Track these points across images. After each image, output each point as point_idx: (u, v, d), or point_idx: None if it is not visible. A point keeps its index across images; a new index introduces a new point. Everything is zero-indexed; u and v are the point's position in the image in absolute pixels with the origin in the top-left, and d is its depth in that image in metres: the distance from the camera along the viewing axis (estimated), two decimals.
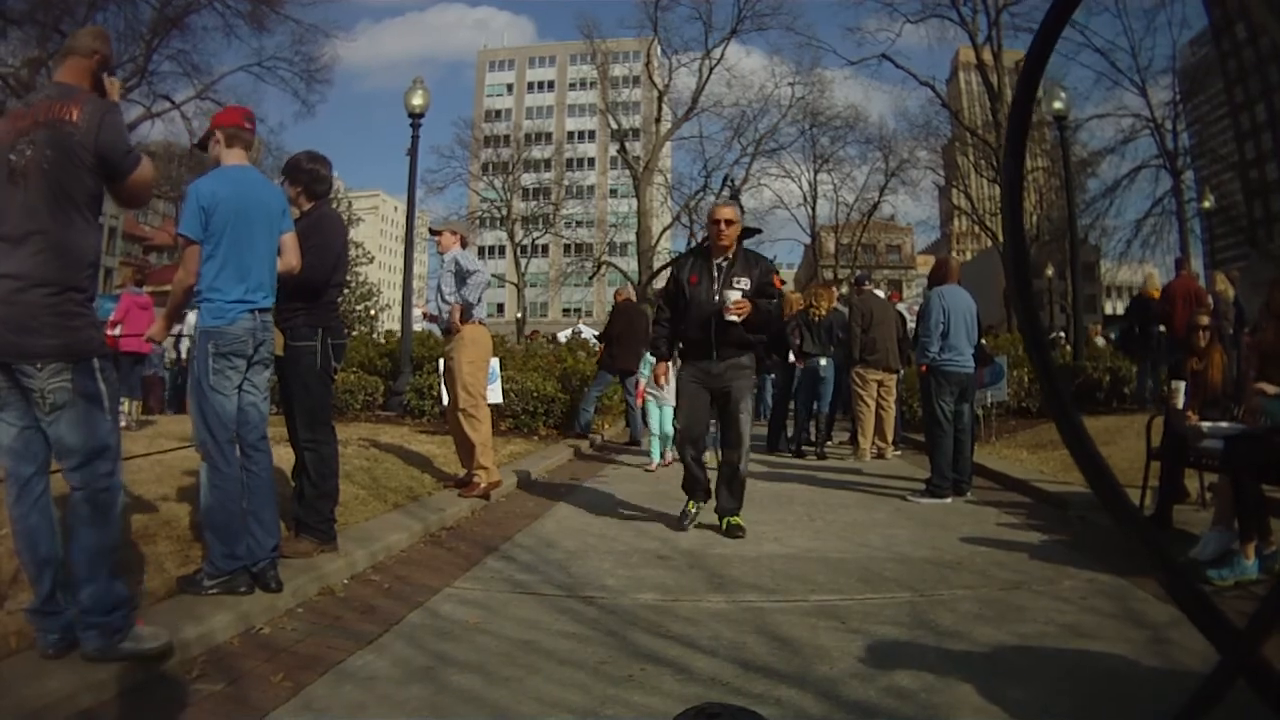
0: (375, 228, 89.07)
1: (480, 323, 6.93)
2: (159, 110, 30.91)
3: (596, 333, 15.09)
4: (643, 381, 9.11)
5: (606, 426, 12.51)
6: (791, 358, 11.07)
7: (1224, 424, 5.26)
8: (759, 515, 6.52)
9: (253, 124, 4.36)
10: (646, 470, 9.21)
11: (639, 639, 3.63)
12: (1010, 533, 6.04)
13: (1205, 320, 6.37)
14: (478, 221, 54.61)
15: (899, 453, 10.96)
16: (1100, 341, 18.35)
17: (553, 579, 4.63)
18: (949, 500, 7.32)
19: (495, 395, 8.33)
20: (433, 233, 7.25)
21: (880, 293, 12.23)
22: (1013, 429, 11.40)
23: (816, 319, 10.81)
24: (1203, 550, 4.68)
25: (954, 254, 41.16)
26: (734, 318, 5.76)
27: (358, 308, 57.38)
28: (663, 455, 9.42)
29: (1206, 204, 29.32)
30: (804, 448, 10.97)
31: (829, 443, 11.31)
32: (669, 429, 9.15)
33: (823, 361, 10.77)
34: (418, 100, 13.89)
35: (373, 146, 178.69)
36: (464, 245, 7.11)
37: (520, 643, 3.56)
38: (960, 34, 33.05)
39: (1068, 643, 3.59)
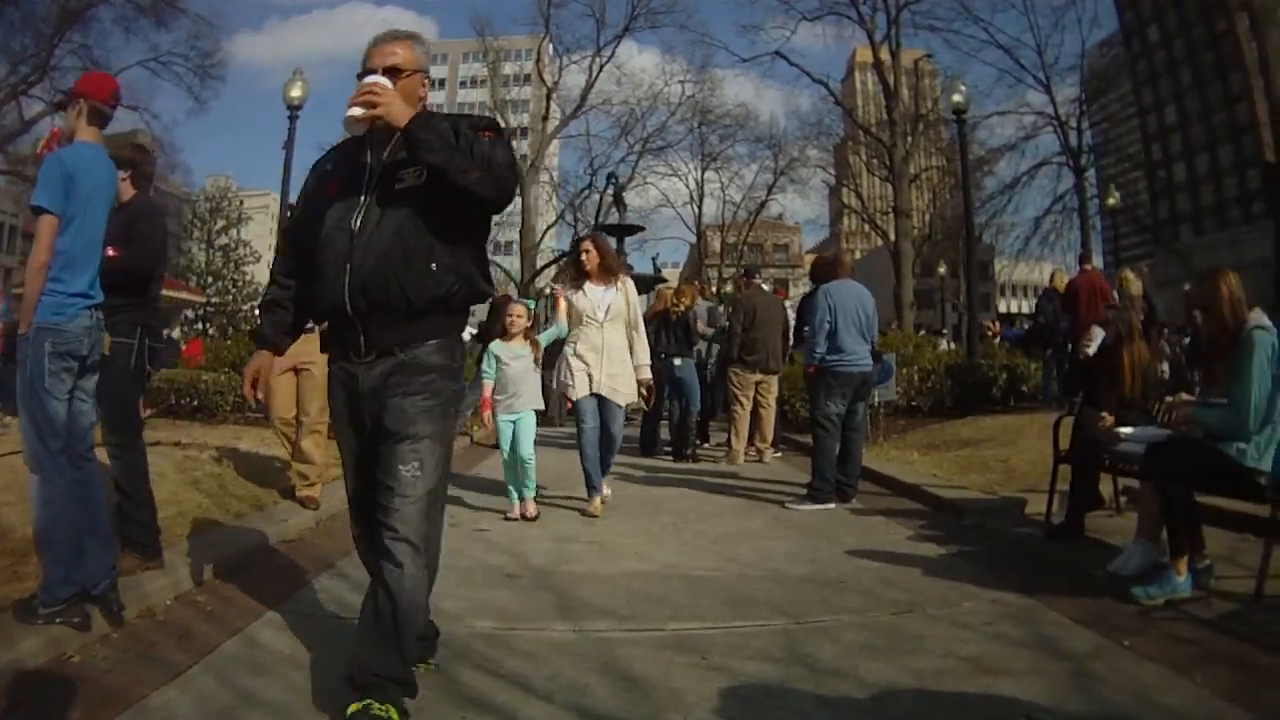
0: (265, 226, 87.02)
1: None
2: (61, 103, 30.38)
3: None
4: (487, 386, 6.61)
5: (476, 428, 11.67)
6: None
7: (1150, 429, 4.96)
8: (622, 525, 6.15)
9: (117, 103, 4.04)
10: (506, 518, 6.35)
11: (467, 678, 3.17)
12: (901, 544, 5.53)
13: (1113, 314, 6.08)
14: None
15: (779, 454, 10.52)
16: (995, 342, 18.43)
17: None
18: (832, 506, 6.81)
19: None
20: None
21: (768, 288, 11.91)
22: (902, 429, 11.11)
23: (675, 318, 10.23)
24: (1125, 564, 4.36)
25: (844, 251, 41.21)
26: (356, 111, 2.75)
27: (244, 308, 56.03)
28: (522, 498, 6.44)
29: (1111, 201, 29.62)
30: (681, 449, 10.31)
31: (704, 445, 10.94)
32: (528, 451, 6.44)
33: (677, 361, 10.13)
34: (296, 92, 14.08)
35: (271, 144, 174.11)
36: None
37: (337, 679, 2.97)
38: (858, 34, 33.10)
39: (972, 680, 3.12)
